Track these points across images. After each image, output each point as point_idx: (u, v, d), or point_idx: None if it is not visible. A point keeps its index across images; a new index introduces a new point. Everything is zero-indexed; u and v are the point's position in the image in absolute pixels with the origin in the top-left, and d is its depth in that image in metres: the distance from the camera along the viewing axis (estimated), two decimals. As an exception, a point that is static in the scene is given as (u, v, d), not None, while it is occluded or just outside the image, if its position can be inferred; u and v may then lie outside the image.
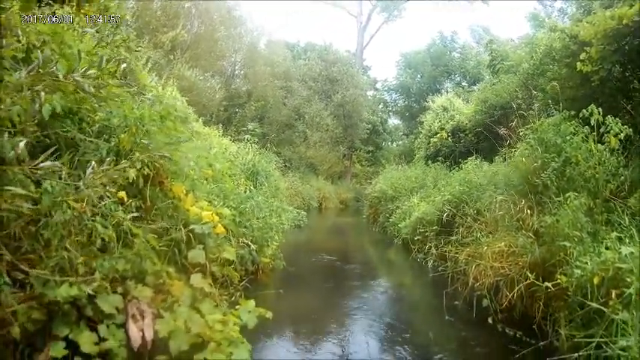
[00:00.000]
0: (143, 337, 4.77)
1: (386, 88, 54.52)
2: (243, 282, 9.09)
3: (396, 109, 53.95)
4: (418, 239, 14.21)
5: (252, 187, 14.72)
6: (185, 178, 7.39)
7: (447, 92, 33.29)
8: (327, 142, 42.38)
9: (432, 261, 12.64)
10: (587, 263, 6.50)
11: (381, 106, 54.78)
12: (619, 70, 11.18)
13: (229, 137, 22.73)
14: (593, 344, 5.54)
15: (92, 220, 5.01)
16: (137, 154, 6.00)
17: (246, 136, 21.38)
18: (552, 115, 10.15)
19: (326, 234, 23.00)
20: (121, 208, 5.57)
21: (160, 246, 6.03)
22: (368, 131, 48.20)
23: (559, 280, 6.79)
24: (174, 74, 22.85)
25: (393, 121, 56.95)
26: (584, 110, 8.90)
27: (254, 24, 37.25)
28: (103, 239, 5.13)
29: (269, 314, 5.79)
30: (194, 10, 29.05)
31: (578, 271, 6.41)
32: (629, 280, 5.74)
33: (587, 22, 11.44)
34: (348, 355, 7.18)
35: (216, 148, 15.19)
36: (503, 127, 12.82)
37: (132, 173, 5.74)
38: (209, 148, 13.53)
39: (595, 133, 8.79)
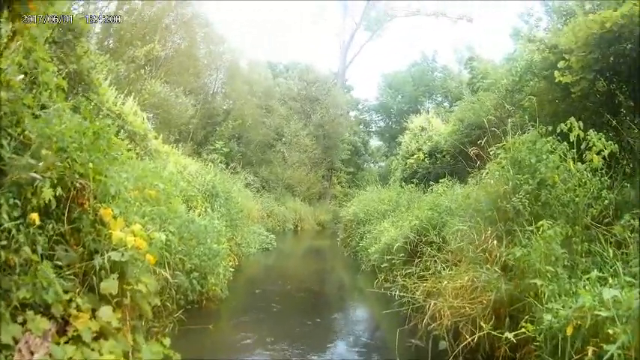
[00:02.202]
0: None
1: (366, 109, 54.26)
2: (178, 314, 8.18)
3: (377, 129, 53.68)
4: (385, 267, 13.10)
5: (209, 210, 13.73)
6: (117, 200, 6.58)
7: (428, 112, 32.68)
8: (305, 163, 42.03)
9: (396, 292, 11.57)
10: (559, 308, 5.35)
11: (362, 127, 54.17)
12: (603, 82, 10.25)
13: (202, 156, 22.20)
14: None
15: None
16: (49, 172, 5.38)
17: (213, 156, 20.54)
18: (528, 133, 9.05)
19: (294, 258, 22.35)
20: (36, 231, 5.18)
21: (69, 274, 5.41)
22: (349, 152, 48.31)
23: (524, 329, 5.63)
24: (145, 89, 22.39)
25: (376, 142, 56.67)
26: (562, 124, 7.84)
27: (236, 43, 37.32)
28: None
29: (177, 357, 5.62)
30: (173, 25, 28.96)
31: (549, 317, 5.28)
32: (610, 332, 4.59)
33: (567, 29, 10.56)
34: None
35: (171, 167, 14.20)
36: (474, 147, 11.82)
37: (48, 193, 5.22)
38: (162, 168, 12.52)
39: (575, 151, 7.70)
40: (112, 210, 6.08)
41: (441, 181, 14.34)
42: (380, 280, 12.45)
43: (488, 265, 7.37)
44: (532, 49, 14.01)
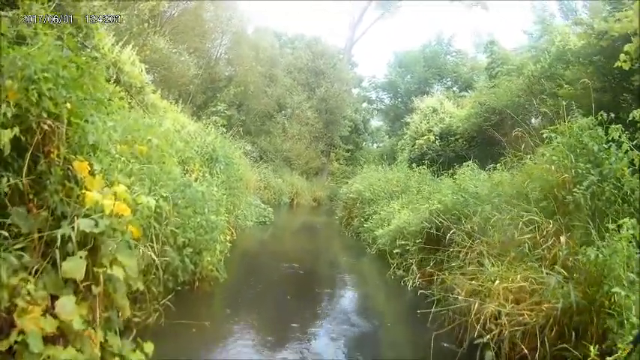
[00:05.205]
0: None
1: (373, 85, 53.43)
2: (166, 300, 6.95)
3: (381, 107, 52.90)
4: (398, 252, 12.06)
5: (207, 175, 12.55)
6: (98, 152, 5.32)
7: (437, 95, 31.92)
8: (305, 136, 41.57)
9: (412, 281, 10.39)
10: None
11: (365, 104, 54.23)
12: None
13: (202, 120, 21.31)
14: None
15: None
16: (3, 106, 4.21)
17: (214, 118, 19.46)
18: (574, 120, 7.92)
19: (293, 235, 21.45)
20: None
21: (20, 247, 4.25)
22: (349, 129, 47.86)
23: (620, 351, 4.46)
24: (147, 44, 21.47)
25: (376, 122, 56.81)
26: (634, 112, 6.73)
27: (244, 7, 36.52)
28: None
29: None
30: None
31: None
32: None
33: (620, 15, 9.70)
34: None
35: (168, 123, 12.97)
36: (518, 129, 10.81)
37: (5, 136, 4.16)
38: (158, 123, 11.29)
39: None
40: (91, 165, 4.89)
41: (465, 164, 13.17)
42: (393, 266, 11.43)
43: (548, 265, 6.26)
44: (568, 34, 13.25)
